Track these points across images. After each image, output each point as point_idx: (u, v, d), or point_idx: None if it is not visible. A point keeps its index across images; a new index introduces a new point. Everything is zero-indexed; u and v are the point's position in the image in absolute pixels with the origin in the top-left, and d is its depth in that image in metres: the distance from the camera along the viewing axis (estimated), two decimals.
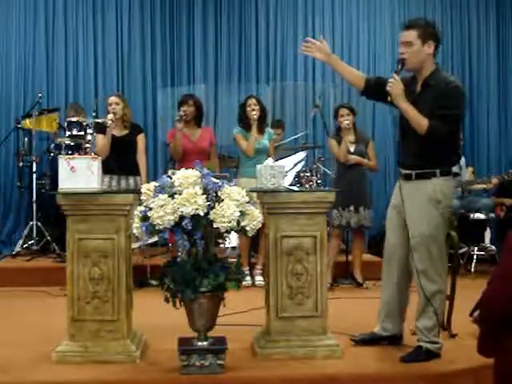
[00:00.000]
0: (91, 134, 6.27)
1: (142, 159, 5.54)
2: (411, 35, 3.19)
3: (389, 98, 3.24)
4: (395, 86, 3.17)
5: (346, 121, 5.50)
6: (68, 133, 6.46)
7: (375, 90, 3.40)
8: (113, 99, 5.45)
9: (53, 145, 6.58)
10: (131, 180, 5.45)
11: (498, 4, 7.94)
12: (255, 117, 5.44)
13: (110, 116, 5.29)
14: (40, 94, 6.69)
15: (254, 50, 7.64)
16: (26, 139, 6.67)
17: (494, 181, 6.31)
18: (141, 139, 5.57)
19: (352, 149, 5.58)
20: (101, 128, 5.54)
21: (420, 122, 3.12)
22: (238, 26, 7.65)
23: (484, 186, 6.39)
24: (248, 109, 5.51)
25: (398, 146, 3.51)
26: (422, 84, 3.26)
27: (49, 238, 6.24)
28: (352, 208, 5.50)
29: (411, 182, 3.24)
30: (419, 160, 3.21)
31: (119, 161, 5.32)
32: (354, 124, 5.64)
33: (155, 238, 4.52)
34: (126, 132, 5.50)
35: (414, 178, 3.23)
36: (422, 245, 3.19)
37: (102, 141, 5.38)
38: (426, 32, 3.20)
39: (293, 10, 7.69)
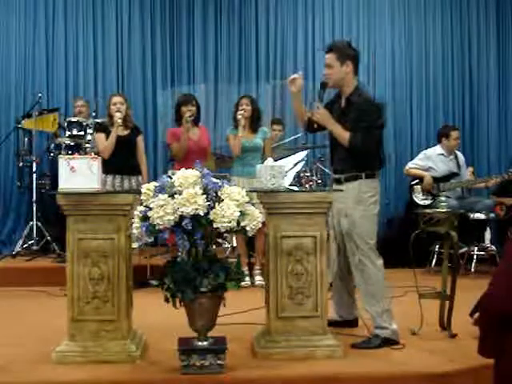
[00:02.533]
0: (91, 134, 6.28)
1: (143, 159, 5.63)
2: (331, 58, 3.64)
3: (315, 125, 3.73)
4: (321, 114, 3.64)
5: None
6: (68, 133, 6.47)
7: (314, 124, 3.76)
8: (118, 99, 5.49)
9: (53, 145, 6.58)
10: (133, 180, 5.49)
11: (498, 4, 7.94)
12: (239, 117, 5.46)
13: (119, 115, 5.33)
14: (40, 94, 6.70)
15: (253, 49, 7.64)
16: (26, 139, 6.67)
17: (495, 180, 6.31)
18: (141, 140, 5.65)
19: None
20: (102, 128, 5.55)
21: (343, 137, 3.58)
22: (238, 26, 7.65)
23: (486, 183, 6.39)
24: (239, 108, 5.54)
25: (330, 155, 3.90)
26: (345, 101, 3.68)
27: (49, 238, 6.25)
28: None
29: (343, 185, 3.63)
30: (346, 165, 3.63)
31: (122, 161, 5.35)
32: None
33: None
34: (127, 132, 5.53)
35: (343, 181, 3.63)
36: (349, 238, 3.57)
37: (103, 140, 5.40)
38: (343, 54, 3.63)
39: (293, 10, 7.70)
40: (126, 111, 5.46)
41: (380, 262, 3.60)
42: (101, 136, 5.47)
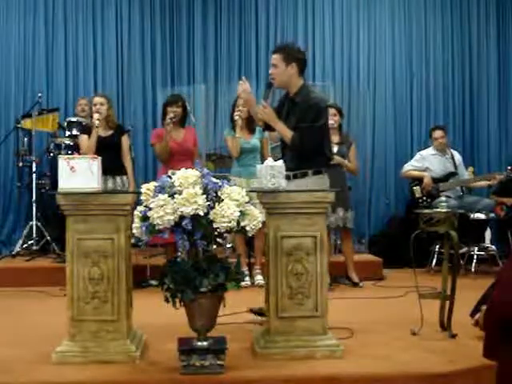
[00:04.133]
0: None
1: (127, 159, 5.64)
2: (277, 58, 3.80)
3: (260, 123, 4.00)
4: (265, 113, 3.81)
5: (330, 121, 5.50)
6: (68, 133, 6.46)
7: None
8: (98, 99, 5.51)
9: (53, 145, 6.58)
10: (118, 180, 5.52)
11: (498, 4, 7.94)
12: (237, 118, 5.45)
13: (96, 116, 5.34)
14: (40, 94, 6.71)
15: (254, 49, 7.64)
16: (25, 139, 6.67)
17: (498, 177, 6.29)
18: (125, 140, 5.65)
19: (335, 149, 5.59)
20: (85, 129, 5.57)
21: (286, 135, 3.80)
22: (238, 26, 7.65)
23: (488, 182, 6.38)
24: (236, 109, 5.53)
25: (281, 154, 4.07)
26: (290, 101, 3.86)
27: (48, 238, 6.25)
28: (329, 208, 5.46)
29: (292, 182, 3.77)
30: (295, 164, 3.80)
31: (105, 161, 5.30)
32: (340, 125, 5.66)
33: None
34: (110, 132, 5.55)
35: (292, 178, 3.78)
36: None
37: (87, 141, 5.42)
38: (289, 55, 3.79)
39: (293, 10, 7.70)
40: (107, 111, 5.47)
41: None
42: (84, 137, 5.51)
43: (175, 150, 5.40)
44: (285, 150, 3.95)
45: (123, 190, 5.08)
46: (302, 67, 3.84)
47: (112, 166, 5.36)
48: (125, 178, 5.56)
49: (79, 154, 6.02)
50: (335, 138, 5.58)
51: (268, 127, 4.04)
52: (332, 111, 5.58)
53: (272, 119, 3.83)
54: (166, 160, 5.38)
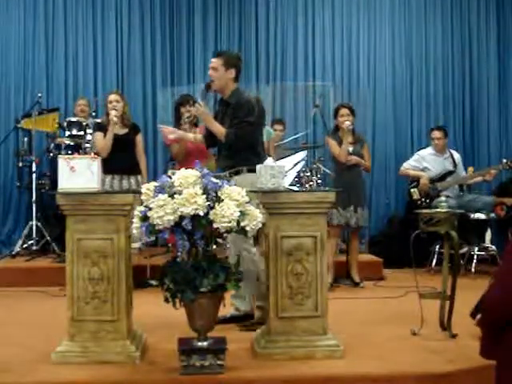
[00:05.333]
0: (91, 133, 6.28)
1: (142, 158, 5.61)
2: (217, 62, 4.00)
3: (199, 138, 4.29)
4: (201, 112, 4.02)
5: (347, 121, 5.50)
6: (68, 133, 6.46)
7: (211, 137, 4.16)
8: (113, 97, 5.45)
9: (52, 145, 6.58)
10: (132, 179, 5.47)
11: (499, 4, 7.93)
12: None
13: (114, 113, 5.29)
14: (40, 94, 6.71)
15: (254, 49, 7.64)
16: (25, 139, 6.67)
17: (493, 171, 6.29)
18: (140, 138, 5.62)
19: (350, 149, 5.59)
20: (100, 127, 5.54)
21: (221, 132, 3.97)
22: (238, 26, 7.65)
23: (484, 177, 6.37)
24: None
25: (217, 155, 4.26)
26: (225, 103, 4.08)
27: (48, 238, 6.24)
28: (352, 208, 5.51)
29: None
30: (230, 162, 3.97)
31: (120, 160, 5.32)
32: (352, 124, 5.67)
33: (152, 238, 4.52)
34: (126, 131, 5.50)
35: (228, 176, 3.88)
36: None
37: (102, 139, 5.37)
38: (228, 61, 4.01)
39: (293, 10, 7.69)
40: (123, 109, 5.43)
41: (254, 249, 3.89)
42: (99, 135, 5.45)
43: (191, 149, 5.37)
44: (220, 150, 4.11)
45: (123, 190, 5.06)
46: (238, 74, 4.06)
47: (127, 165, 5.39)
48: (139, 177, 5.51)
49: (79, 154, 6.03)
50: (349, 138, 5.57)
51: (208, 142, 4.22)
52: (345, 111, 5.57)
53: (207, 118, 4.02)
54: (183, 160, 5.37)
